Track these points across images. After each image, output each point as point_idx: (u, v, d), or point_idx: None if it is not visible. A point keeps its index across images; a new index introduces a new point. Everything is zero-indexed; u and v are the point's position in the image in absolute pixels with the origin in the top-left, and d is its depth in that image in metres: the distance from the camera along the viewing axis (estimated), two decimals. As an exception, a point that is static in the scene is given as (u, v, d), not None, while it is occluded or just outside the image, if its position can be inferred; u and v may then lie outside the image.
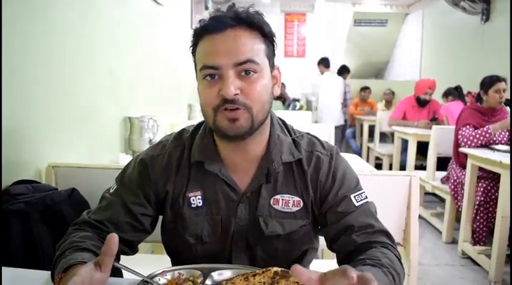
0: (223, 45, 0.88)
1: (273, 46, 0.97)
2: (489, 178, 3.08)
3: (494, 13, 5.12)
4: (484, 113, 3.31)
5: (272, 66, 0.97)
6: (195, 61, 0.95)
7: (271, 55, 0.96)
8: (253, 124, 0.91)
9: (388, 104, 6.87)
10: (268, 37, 0.95)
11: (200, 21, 0.93)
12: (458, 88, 4.92)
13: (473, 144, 3.16)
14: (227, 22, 0.89)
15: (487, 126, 3.14)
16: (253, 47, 0.90)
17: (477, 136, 3.15)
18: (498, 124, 3.12)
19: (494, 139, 3.16)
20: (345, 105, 6.28)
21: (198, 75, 0.93)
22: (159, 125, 2.61)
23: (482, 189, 3.06)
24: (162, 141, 1.07)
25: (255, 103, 0.90)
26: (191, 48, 0.96)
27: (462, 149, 3.19)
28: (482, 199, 3.04)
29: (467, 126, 3.25)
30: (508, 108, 3.34)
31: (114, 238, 0.75)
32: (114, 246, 0.75)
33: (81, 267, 0.77)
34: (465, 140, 3.20)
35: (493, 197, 3.02)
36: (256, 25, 0.92)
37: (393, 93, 6.94)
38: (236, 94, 0.88)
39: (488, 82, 3.23)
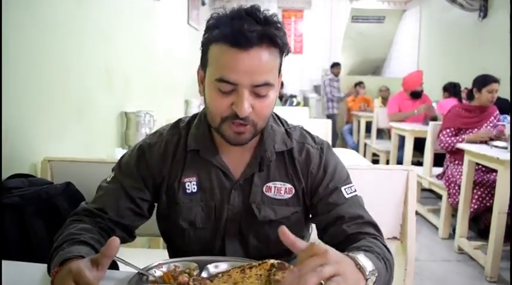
0: (245, 64, 0.86)
1: (284, 55, 0.96)
2: (484, 185, 3.11)
3: (492, 10, 5.12)
4: (472, 111, 3.45)
5: (278, 73, 0.97)
6: (206, 55, 0.93)
7: (281, 65, 0.96)
8: (255, 134, 0.96)
9: (385, 101, 6.91)
10: (284, 51, 0.94)
11: (216, 18, 0.90)
12: (456, 86, 4.93)
13: (448, 149, 3.41)
14: (253, 41, 0.85)
15: (462, 137, 3.35)
16: (272, 66, 0.90)
17: (452, 144, 3.37)
18: (473, 136, 3.29)
19: None
20: (327, 99, 7.01)
21: (210, 80, 0.91)
22: (155, 120, 2.60)
23: (477, 196, 3.10)
24: (159, 130, 1.10)
25: (261, 119, 0.94)
26: (203, 41, 0.93)
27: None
28: (476, 206, 3.09)
29: (447, 130, 3.46)
30: (505, 117, 3.43)
31: (115, 242, 0.76)
32: (114, 250, 0.76)
33: (77, 262, 0.76)
34: (442, 144, 3.46)
35: (488, 204, 3.04)
36: (278, 44, 0.90)
37: (388, 90, 7.02)
38: (248, 113, 0.90)
39: (483, 81, 3.33)
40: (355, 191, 1.03)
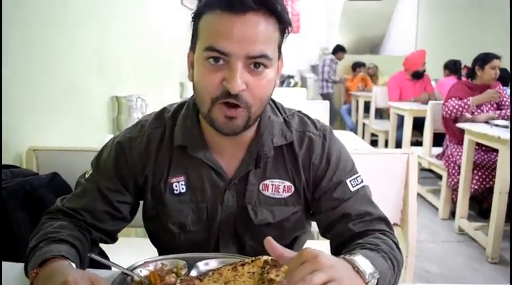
0: (240, 30, 0.77)
1: (285, 35, 0.88)
2: (484, 167, 3.07)
3: (492, -15, 5.01)
4: (474, 89, 3.37)
5: (279, 56, 0.88)
6: (196, 31, 0.84)
7: (281, 45, 0.88)
8: (249, 122, 0.84)
9: (373, 77, 6.85)
10: (284, 25, 0.85)
11: None
12: (456, 63, 4.85)
13: (452, 115, 3.28)
14: (249, 4, 0.76)
15: (467, 98, 3.24)
16: (269, 37, 0.81)
17: (456, 106, 3.26)
18: (477, 97, 3.22)
19: (473, 111, 3.26)
20: (322, 78, 6.91)
21: (199, 52, 0.82)
22: (147, 104, 2.53)
23: (477, 177, 3.06)
24: (141, 121, 0.99)
25: (257, 101, 0.83)
26: (193, 14, 0.85)
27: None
28: (476, 187, 3.06)
29: (453, 98, 3.33)
30: (505, 89, 3.36)
31: None
32: None
33: (73, 275, 0.68)
34: (446, 110, 3.31)
35: (488, 186, 3.01)
36: (277, 12, 0.81)
37: (376, 67, 7.04)
38: (242, 90, 0.79)
39: (485, 59, 3.29)
40: (362, 182, 0.94)
